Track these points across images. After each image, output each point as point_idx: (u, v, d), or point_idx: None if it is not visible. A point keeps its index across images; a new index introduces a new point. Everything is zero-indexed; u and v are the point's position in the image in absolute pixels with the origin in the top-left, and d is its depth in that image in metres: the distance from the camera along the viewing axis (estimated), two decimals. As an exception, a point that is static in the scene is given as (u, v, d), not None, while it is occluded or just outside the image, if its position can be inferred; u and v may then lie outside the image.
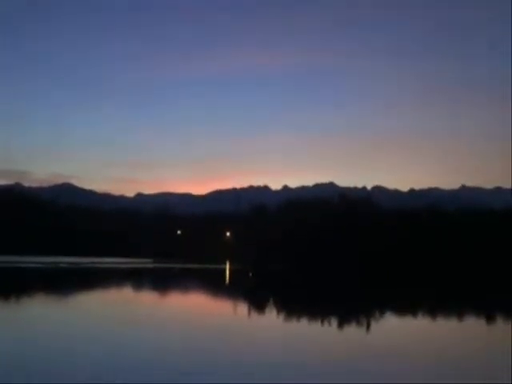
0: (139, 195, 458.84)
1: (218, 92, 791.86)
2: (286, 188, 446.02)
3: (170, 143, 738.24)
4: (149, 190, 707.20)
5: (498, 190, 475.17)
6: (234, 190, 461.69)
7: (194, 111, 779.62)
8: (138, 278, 60.51)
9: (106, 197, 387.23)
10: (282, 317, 30.02)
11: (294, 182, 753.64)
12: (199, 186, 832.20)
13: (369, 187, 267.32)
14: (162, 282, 58.25)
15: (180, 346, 18.89)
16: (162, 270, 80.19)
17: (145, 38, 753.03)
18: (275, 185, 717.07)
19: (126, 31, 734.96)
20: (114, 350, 17.61)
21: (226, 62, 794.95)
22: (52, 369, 14.70)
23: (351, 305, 37.81)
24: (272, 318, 29.13)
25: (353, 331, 24.68)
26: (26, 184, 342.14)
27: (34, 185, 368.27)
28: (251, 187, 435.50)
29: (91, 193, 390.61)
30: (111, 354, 16.92)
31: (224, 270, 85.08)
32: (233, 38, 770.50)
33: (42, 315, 26.66)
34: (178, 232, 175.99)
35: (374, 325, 27.02)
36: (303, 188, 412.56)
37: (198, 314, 29.91)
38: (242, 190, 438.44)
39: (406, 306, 37.26)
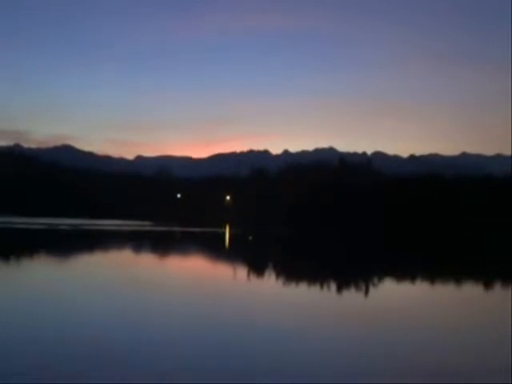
0: (139, 158, 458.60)
1: (218, 56, 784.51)
2: (286, 152, 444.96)
3: (170, 106, 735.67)
4: (149, 152, 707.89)
5: (498, 156, 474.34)
6: (235, 153, 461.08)
7: (194, 75, 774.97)
8: (137, 241, 60.69)
9: (106, 159, 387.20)
10: (279, 281, 30.13)
11: (294, 147, 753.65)
12: (199, 149, 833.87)
13: (369, 153, 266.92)
14: (161, 245, 58.44)
15: (175, 311, 18.88)
16: (161, 233, 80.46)
17: (145, 2, 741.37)
18: (275, 149, 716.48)
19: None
20: (108, 316, 17.57)
21: (225, 25, 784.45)
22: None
23: (351, 269, 37.94)
24: (270, 282, 29.22)
25: (351, 296, 24.78)
26: (26, 145, 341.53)
27: (34, 146, 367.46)
28: (251, 151, 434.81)
29: (91, 155, 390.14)
30: (106, 317, 16.94)
31: (224, 234, 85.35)
32: (233, 1, 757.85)
33: (41, 277, 26.73)
34: (178, 195, 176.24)
35: (372, 290, 27.17)
36: (303, 152, 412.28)
37: (196, 277, 30.00)
38: (243, 153, 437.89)
39: (403, 272, 37.38)
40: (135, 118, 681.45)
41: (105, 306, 19.07)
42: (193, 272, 33.02)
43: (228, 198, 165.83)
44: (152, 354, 12.36)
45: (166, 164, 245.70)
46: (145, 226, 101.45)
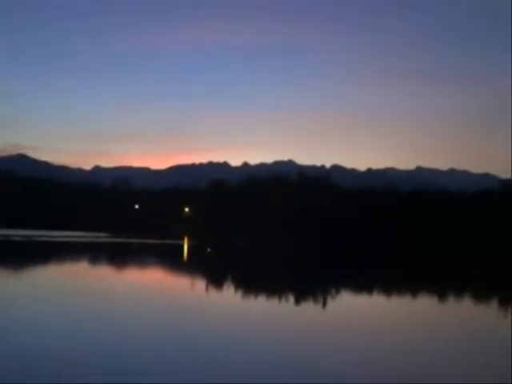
0: (97, 168, 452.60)
1: (179, 67, 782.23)
2: (245, 164, 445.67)
3: (129, 117, 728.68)
4: (107, 163, 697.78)
5: (452, 171, 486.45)
6: (194, 165, 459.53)
7: (153, 86, 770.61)
8: (93, 253, 59.66)
9: (63, 169, 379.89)
10: (237, 293, 30.07)
11: (253, 159, 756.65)
12: (158, 160, 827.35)
13: (327, 166, 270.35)
14: (118, 256, 57.60)
15: (130, 322, 18.65)
16: (118, 245, 79.33)
17: (107, 11, 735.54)
18: (235, 161, 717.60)
19: (89, 5, 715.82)
20: (58, 328, 17.26)
21: (190, 37, 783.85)
22: None
23: (309, 282, 38.15)
24: (228, 294, 29.14)
25: (309, 308, 24.92)
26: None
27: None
28: (211, 163, 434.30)
29: (47, 164, 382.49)
30: (53, 333, 16.63)
31: (182, 246, 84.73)
32: (200, 13, 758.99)
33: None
34: (136, 206, 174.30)
35: (329, 302, 27.42)
36: (263, 165, 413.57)
37: (152, 289, 29.69)
38: (202, 165, 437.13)
39: (360, 284, 37.79)
40: (93, 127, 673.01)
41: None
42: (148, 284, 32.62)
43: (187, 209, 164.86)
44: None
45: (124, 175, 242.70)
46: (101, 237, 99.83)
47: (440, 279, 44.06)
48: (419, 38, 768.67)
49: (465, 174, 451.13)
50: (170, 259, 57.06)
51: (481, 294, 34.92)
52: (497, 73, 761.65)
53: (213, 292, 30.03)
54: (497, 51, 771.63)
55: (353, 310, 25.08)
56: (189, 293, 28.40)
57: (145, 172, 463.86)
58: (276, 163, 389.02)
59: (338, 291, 33.22)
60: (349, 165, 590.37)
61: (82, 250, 62.39)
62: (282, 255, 72.24)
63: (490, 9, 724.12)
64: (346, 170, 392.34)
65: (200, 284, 33.96)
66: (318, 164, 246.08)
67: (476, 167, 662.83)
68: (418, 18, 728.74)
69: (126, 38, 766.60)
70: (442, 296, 32.44)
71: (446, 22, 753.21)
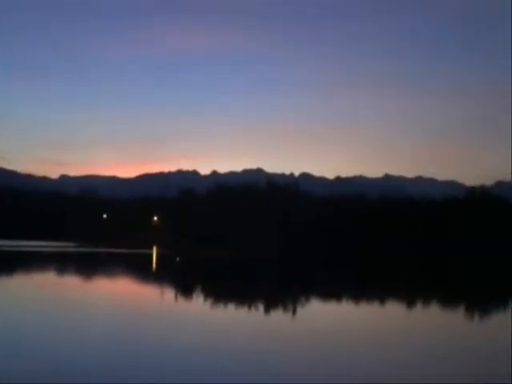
0: (63, 177, 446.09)
1: (145, 73, 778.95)
2: (214, 173, 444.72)
3: (96, 125, 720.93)
4: (74, 171, 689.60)
5: (419, 179, 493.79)
6: (163, 173, 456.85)
7: (120, 93, 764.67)
8: (61, 263, 58.79)
9: (29, 178, 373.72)
10: (206, 302, 29.99)
11: (222, 167, 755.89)
12: (126, 169, 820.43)
13: (296, 174, 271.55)
14: (86, 266, 56.86)
15: (97, 332, 18.48)
16: (86, 254, 78.35)
17: (70, 19, 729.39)
18: (204, 169, 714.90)
19: (50, 13, 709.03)
20: (24, 339, 17.02)
21: (157, 44, 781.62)
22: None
23: (279, 290, 38.25)
24: (197, 303, 29.04)
25: (278, 316, 25.01)
26: None
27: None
28: (180, 171, 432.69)
29: (12, 173, 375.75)
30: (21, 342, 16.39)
31: (151, 255, 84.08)
32: (164, 21, 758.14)
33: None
34: (104, 216, 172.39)
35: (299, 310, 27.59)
36: (232, 173, 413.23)
37: (119, 299, 29.39)
38: (171, 174, 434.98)
39: (328, 291, 38.06)
40: (60, 136, 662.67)
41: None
42: (115, 294, 32.26)
43: (155, 218, 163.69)
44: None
45: (91, 183, 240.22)
46: (69, 247, 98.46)
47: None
48: (387, 46, 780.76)
49: (431, 181, 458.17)
50: (139, 269, 56.57)
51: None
52: (462, 83, 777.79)
53: (182, 301, 29.88)
54: (462, 63, 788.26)
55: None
56: (157, 302, 28.21)
57: (112, 181, 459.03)
58: (245, 171, 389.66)
59: (297, 300, 33.40)
60: (317, 173, 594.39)
61: (48, 260, 61.41)
62: (251, 263, 72.25)
63: (453, 19, 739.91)
64: (314, 178, 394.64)
65: (169, 293, 33.75)
66: (287, 172, 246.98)
67: (442, 175, 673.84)
68: (379, 26, 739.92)
69: (92, 46, 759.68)
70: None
71: (408, 35, 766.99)
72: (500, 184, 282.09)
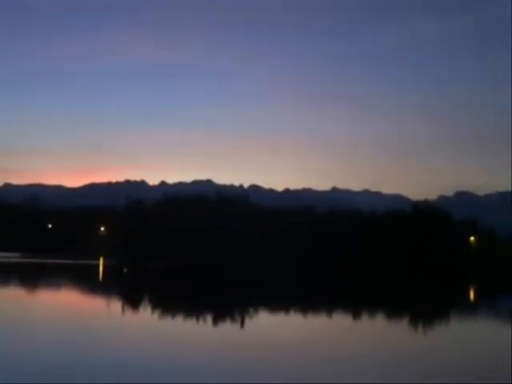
0: (7, 185, 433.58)
1: (95, 82, 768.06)
2: (163, 183, 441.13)
3: (42, 133, 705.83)
4: (18, 180, 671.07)
5: (366, 192, 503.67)
6: (110, 183, 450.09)
7: (68, 100, 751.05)
8: (2, 274, 57.35)
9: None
10: (154, 314, 30.02)
11: (171, 178, 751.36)
12: (72, 178, 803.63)
13: (246, 186, 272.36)
14: (30, 277, 55.66)
15: (40, 345, 18.40)
16: (30, 266, 76.58)
17: (20, 25, 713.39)
18: (152, 180, 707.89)
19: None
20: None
21: (106, 52, 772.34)
22: None
23: (227, 301, 38.53)
24: (144, 315, 29.04)
25: (226, 328, 25.35)
26: None
27: None
28: (128, 181, 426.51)
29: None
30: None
31: (97, 266, 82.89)
32: (114, 30, 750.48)
33: None
34: (49, 225, 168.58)
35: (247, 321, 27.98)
36: (181, 184, 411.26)
37: (63, 311, 29.00)
38: (118, 183, 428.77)
39: (275, 304, 38.59)
40: (3, 143, 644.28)
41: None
42: (59, 306, 31.78)
43: (102, 229, 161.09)
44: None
45: (36, 192, 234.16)
46: (12, 257, 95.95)
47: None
48: (342, 60, 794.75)
49: (377, 194, 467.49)
50: (85, 280, 55.77)
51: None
52: (411, 98, 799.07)
53: (129, 313, 29.81)
54: (410, 74, 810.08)
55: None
56: (102, 314, 28.05)
57: (58, 190, 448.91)
58: (194, 182, 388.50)
59: (237, 310, 33.85)
60: (267, 185, 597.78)
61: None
62: (198, 275, 72.19)
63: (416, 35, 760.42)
64: (263, 190, 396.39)
65: (116, 305, 33.57)
66: (237, 184, 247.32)
67: (388, 189, 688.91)
68: (329, 43, 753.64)
69: (39, 53, 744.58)
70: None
71: (354, 45, 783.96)
72: (442, 198, 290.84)
